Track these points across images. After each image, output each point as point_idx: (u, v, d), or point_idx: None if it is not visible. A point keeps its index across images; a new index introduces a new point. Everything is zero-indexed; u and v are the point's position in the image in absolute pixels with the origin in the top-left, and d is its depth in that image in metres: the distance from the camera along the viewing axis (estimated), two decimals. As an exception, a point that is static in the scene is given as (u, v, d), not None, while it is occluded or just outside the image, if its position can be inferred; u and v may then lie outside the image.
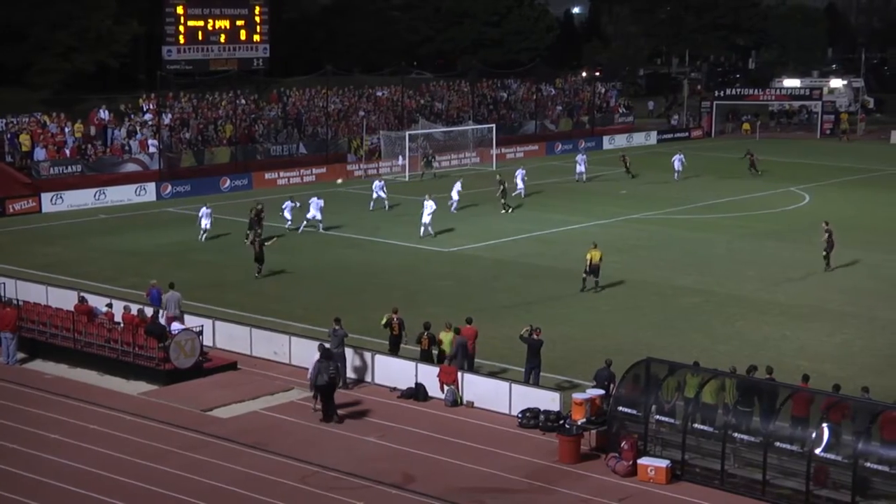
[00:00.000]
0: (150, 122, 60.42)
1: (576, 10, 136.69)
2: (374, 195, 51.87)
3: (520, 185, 55.17)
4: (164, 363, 27.96)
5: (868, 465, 20.91)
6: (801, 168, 67.46)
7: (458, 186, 51.63)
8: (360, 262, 41.53)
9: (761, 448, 21.91)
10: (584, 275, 36.85)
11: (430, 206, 45.32)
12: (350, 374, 28.05)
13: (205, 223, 44.93)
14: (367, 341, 29.20)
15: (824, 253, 40.13)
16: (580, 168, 60.60)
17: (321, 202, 47.11)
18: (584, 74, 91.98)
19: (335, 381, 25.75)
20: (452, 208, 50.52)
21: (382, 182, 53.11)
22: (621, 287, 37.71)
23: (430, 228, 45.41)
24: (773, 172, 64.92)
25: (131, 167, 57.96)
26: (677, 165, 61.82)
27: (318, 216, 46.59)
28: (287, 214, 46.89)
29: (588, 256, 36.84)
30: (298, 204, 47.73)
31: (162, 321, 29.06)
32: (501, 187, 51.41)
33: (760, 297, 36.43)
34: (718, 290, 37.41)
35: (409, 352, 28.36)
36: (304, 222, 46.60)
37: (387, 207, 51.75)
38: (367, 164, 63.71)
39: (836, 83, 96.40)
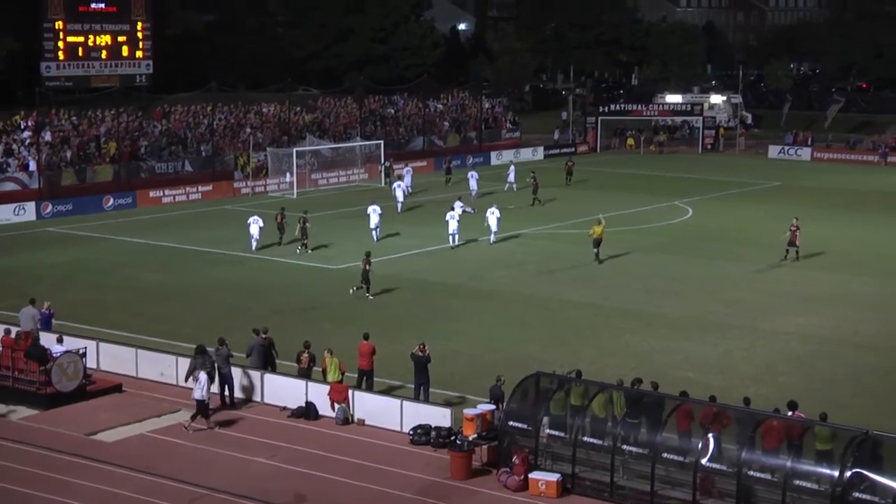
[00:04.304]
0: (28, 140, 58.98)
1: (462, 26, 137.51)
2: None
3: (473, 185, 59.82)
4: (46, 387, 27.28)
5: (751, 473, 21.41)
6: (685, 182, 68.89)
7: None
8: (248, 280, 41.13)
9: (649, 459, 22.26)
10: (595, 248, 43.44)
11: (375, 210, 47.59)
12: (238, 393, 27.76)
13: (254, 232, 45.75)
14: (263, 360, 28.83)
15: (796, 248, 44.06)
16: (472, 185, 60.77)
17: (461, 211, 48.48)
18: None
19: (213, 376, 26.35)
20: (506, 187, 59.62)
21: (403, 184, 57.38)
22: (510, 302, 38.01)
23: (376, 233, 47.64)
24: (657, 187, 66.19)
25: (9, 186, 56.42)
26: (511, 177, 63.21)
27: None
28: (493, 225, 47.22)
29: (591, 231, 43.59)
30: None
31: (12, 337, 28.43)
32: (534, 183, 58.30)
33: (646, 310, 37.06)
34: (605, 303, 37.94)
35: (293, 370, 28.19)
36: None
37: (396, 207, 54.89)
38: (253, 182, 63.18)
39: (716, 99, 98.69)
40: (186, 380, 27.18)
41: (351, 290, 38.12)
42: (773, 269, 43.48)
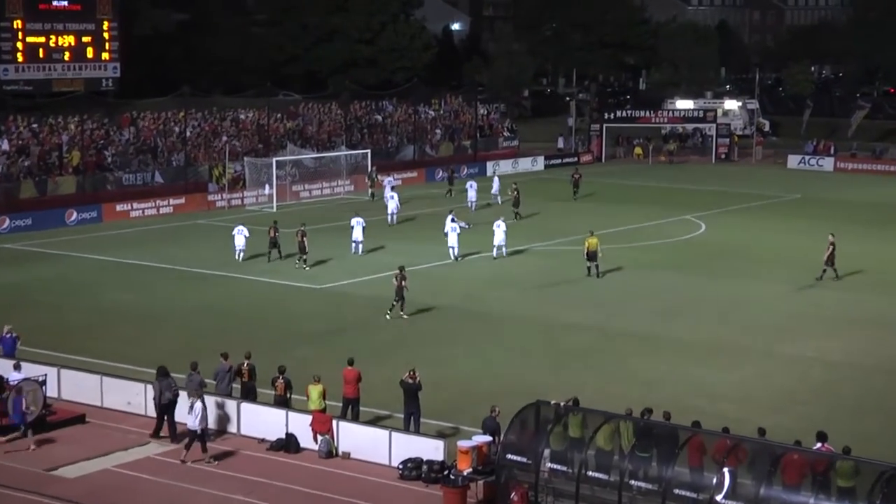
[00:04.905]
0: (-15, 149, 59.03)
1: (455, 26, 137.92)
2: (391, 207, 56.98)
3: (472, 196, 60.95)
4: (2, 418, 27.15)
5: (770, 511, 21.33)
6: (697, 195, 69.02)
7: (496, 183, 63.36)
8: (224, 300, 41.10)
9: (660, 496, 22.18)
10: (587, 262, 44.38)
11: (359, 222, 48.71)
12: (212, 424, 27.65)
13: (239, 243, 47.05)
14: (231, 388, 28.81)
15: (825, 267, 43.94)
16: (471, 196, 61.27)
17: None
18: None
19: (174, 402, 26.79)
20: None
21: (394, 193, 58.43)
22: (508, 324, 37.99)
23: (361, 247, 48.66)
24: (667, 200, 66.30)
25: (-36, 199, 56.44)
26: (494, 188, 63.50)
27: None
28: (500, 239, 48.45)
29: (585, 244, 44.44)
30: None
31: None
32: (515, 196, 58.26)
33: (655, 333, 37.06)
34: (611, 326, 37.94)
35: (269, 398, 28.13)
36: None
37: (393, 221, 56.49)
38: (230, 194, 63.15)
39: (731, 105, 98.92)
40: (157, 408, 27.21)
41: (387, 315, 38.31)
42: (791, 289, 43.49)
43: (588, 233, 45.65)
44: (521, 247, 50.62)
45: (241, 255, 47.11)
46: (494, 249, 48.27)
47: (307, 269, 45.56)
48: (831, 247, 44.14)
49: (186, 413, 26.12)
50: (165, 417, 27.22)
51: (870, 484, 21.00)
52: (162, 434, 27.18)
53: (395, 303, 38.33)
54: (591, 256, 44.49)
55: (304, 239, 45.88)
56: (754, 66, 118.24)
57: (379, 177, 66.20)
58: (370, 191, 65.14)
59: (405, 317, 38.26)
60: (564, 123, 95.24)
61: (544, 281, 44.58)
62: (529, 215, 58.87)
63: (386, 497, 24.25)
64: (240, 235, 47.24)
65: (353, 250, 48.62)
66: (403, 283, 38.27)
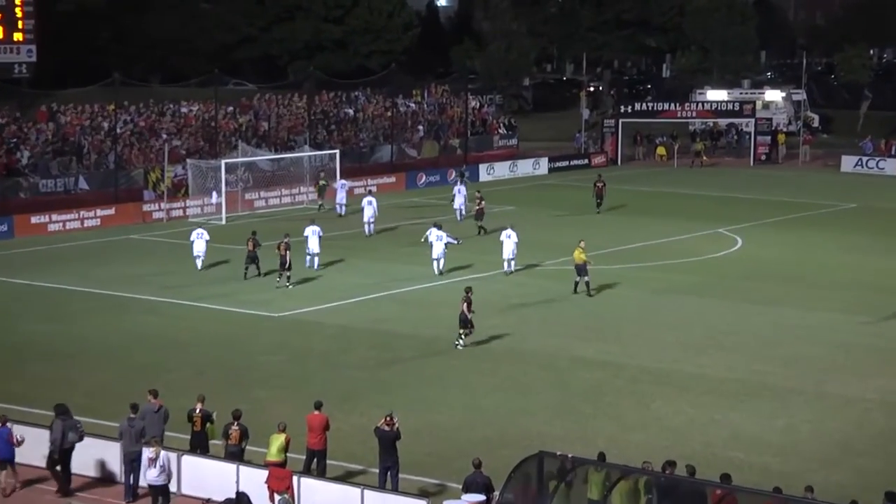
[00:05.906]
0: None
1: (441, 2, 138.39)
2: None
3: (459, 204, 62.09)
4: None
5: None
6: (732, 204, 69.15)
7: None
8: (162, 331, 41.02)
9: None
10: (577, 278, 45.84)
11: (315, 232, 49.59)
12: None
13: (199, 249, 49.07)
14: (173, 437, 28.76)
15: None
16: (458, 202, 61.59)
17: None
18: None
19: (57, 457, 26.90)
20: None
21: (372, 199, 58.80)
22: (505, 359, 38.00)
23: (317, 260, 49.88)
24: (696, 210, 66.45)
25: None
26: (458, 202, 63.13)
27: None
28: (510, 252, 49.04)
29: (573, 256, 45.70)
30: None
31: None
32: (479, 207, 58.26)
33: (682, 371, 37.11)
34: (629, 361, 37.97)
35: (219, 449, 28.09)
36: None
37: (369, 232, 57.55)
38: (169, 204, 63.12)
39: (773, 95, 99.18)
40: (51, 462, 27.07)
41: (460, 345, 38.81)
42: (847, 318, 43.54)
43: (578, 243, 46.31)
44: (524, 266, 50.65)
45: (201, 262, 48.73)
46: (505, 263, 48.94)
47: (290, 287, 46.40)
48: None
49: (147, 467, 25.97)
50: (59, 466, 27.13)
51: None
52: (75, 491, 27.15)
53: (462, 332, 38.84)
54: (580, 271, 45.53)
55: (288, 253, 46.32)
56: (801, 50, 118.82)
57: (332, 182, 65.47)
58: (321, 201, 65.10)
59: (461, 346, 38.85)
60: (575, 118, 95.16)
61: (549, 306, 44.63)
62: (534, 228, 58.87)
63: (357, 569, 24.25)
64: (200, 240, 48.75)
65: (308, 264, 49.30)
66: (469, 306, 38.73)
